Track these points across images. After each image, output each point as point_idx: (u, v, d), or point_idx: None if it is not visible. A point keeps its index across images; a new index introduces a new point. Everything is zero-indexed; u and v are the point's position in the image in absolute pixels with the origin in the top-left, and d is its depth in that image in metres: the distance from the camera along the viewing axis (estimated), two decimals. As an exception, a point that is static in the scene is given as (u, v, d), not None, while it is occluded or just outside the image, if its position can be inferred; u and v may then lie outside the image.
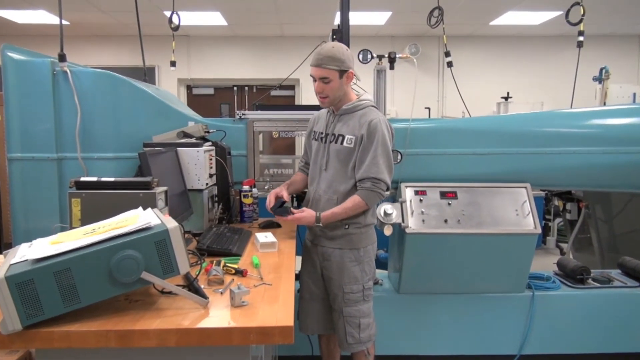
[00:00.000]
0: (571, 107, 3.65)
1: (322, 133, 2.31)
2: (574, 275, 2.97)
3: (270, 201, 2.33)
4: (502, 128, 2.93)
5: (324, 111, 2.38)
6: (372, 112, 2.21)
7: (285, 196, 2.35)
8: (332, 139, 2.25)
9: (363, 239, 2.25)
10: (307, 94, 7.95)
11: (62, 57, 2.41)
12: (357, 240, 2.24)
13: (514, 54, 8.25)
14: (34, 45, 3.65)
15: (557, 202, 4.87)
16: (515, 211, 2.73)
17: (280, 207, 2.32)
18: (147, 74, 3.35)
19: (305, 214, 2.21)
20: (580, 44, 3.55)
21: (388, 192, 2.25)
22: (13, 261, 1.37)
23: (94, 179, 1.82)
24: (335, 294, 2.27)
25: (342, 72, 2.16)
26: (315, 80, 2.20)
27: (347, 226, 2.22)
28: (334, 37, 2.98)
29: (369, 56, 3.06)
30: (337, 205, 2.20)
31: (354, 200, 2.17)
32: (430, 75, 8.13)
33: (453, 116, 6.88)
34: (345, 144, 2.20)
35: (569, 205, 3.89)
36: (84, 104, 2.44)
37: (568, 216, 3.88)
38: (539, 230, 2.67)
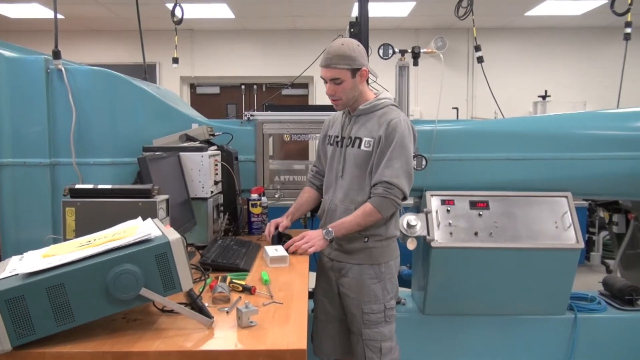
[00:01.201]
0: (617, 107, 3.60)
1: (337, 137, 2.31)
2: (621, 296, 2.92)
3: (269, 232, 2.35)
4: (539, 130, 2.91)
5: (339, 113, 2.39)
6: (393, 112, 2.20)
7: (283, 225, 2.36)
8: (349, 143, 2.25)
9: (384, 253, 2.24)
10: (322, 93, 7.92)
11: (56, 54, 2.45)
12: (378, 254, 2.23)
13: (553, 48, 8.19)
14: (27, 42, 3.73)
15: (602, 213, 4.80)
16: (555, 223, 2.70)
17: (279, 240, 2.35)
18: (147, 72, 3.38)
19: (309, 236, 2.19)
20: (627, 37, 3.51)
21: (405, 201, 2.22)
22: (2, 275, 1.39)
23: (90, 186, 1.84)
24: (353, 315, 2.27)
25: (355, 71, 2.16)
26: (326, 82, 2.20)
27: (366, 239, 2.21)
28: (352, 30, 2.99)
29: (390, 51, 3.06)
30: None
31: (365, 208, 2.16)
32: (458, 72, 8.10)
33: (484, 117, 6.84)
34: (363, 147, 2.19)
35: (615, 217, 3.83)
36: (80, 104, 2.48)
37: (615, 229, 3.82)
38: (582, 245, 2.64)
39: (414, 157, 2.62)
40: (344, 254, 2.27)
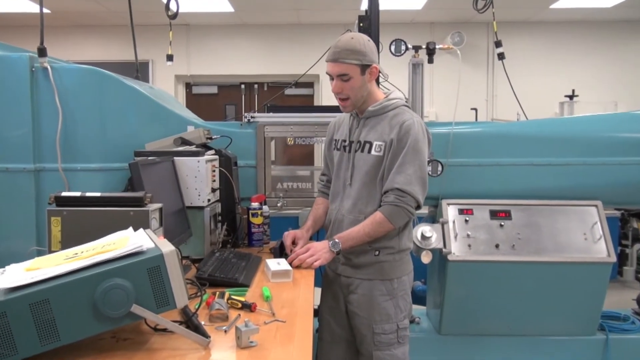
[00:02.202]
0: (652, 107, 3.59)
1: (345, 141, 2.31)
2: (657, 315, 2.90)
3: (286, 246, 2.34)
4: (566, 133, 2.91)
5: (345, 115, 2.38)
6: (406, 113, 2.20)
7: (303, 238, 2.33)
8: (358, 147, 2.24)
9: (397, 267, 2.23)
10: (329, 93, 7.94)
11: (42, 51, 2.47)
12: (390, 269, 2.23)
13: (581, 44, 8.17)
14: (10, 38, 3.76)
15: (635, 224, 4.78)
16: (584, 235, 2.69)
17: (282, 252, 2.36)
18: (139, 70, 3.40)
19: (314, 248, 2.18)
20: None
21: (419, 210, 2.21)
22: (-18, 290, 1.39)
23: (77, 194, 1.85)
24: (363, 335, 2.26)
25: (365, 67, 2.16)
26: (332, 79, 2.20)
27: (377, 252, 2.20)
28: (361, 24, 3.00)
29: (403, 47, 3.07)
30: None
31: (375, 217, 2.15)
32: (477, 70, 8.09)
33: (505, 119, 6.82)
34: (373, 152, 2.19)
35: (650, 228, 3.82)
36: (67, 105, 2.49)
37: (650, 241, 3.81)
38: (614, 259, 2.63)
39: (429, 162, 2.62)
40: (353, 269, 2.26)
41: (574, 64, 8.14)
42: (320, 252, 2.19)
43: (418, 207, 2.17)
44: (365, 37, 2.20)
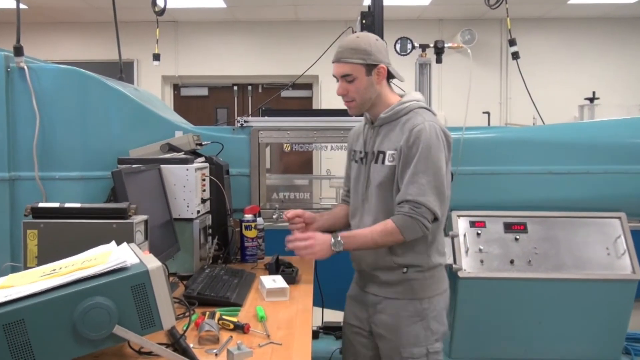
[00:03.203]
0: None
1: (361, 152, 2.31)
2: (687, 337, 2.90)
3: (288, 216, 2.33)
4: (586, 139, 2.91)
5: (362, 124, 2.39)
6: (418, 116, 2.18)
7: (311, 217, 2.33)
8: (372, 158, 2.24)
9: (427, 286, 2.21)
10: (329, 95, 8.02)
11: (18, 50, 2.48)
12: (420, 287, 2.21)
13: (602, 42, 8.20)
14: (-17, 35, 3.76)
15: (662, 237, 4.77)
16: (607, 249, 2.69)
17: (277, 269, 2.37)
18: (123, 71, 3.42)
19: (315, 239, 2.15)
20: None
21: (436, 222, 2.18)
22: (-49, 310, 1.39)
23: (56, 204, 1.85)
24: (389, 359, 2.25)
25: (370, 67, 2.16)
26: (338, 81, 2.22)
27: (405, 270, 2.19)
28: (364, 21, 3.02)
29: (409, 46, 3.09)
30: (386, 249, 2.17)
31: (386, 225, 2.11)
32: (489, 71, 8.12)
33: (520, 124, 6.83)
34: (387, 162, 2.18)
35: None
36: (45, 109, 2.50)
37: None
38: (639, 276, 2.62)
39: None
40: (378, 286, 2.24)
41: (595, 64, 8.17)
42: (319, 246, 2.14)
43: (435, 218, 2.12)
44: (372, 37, 2.20)
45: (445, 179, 2.14)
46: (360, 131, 2.38)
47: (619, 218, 2.77)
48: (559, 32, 8.22)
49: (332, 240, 2.12)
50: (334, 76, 2.21)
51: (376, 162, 2.21)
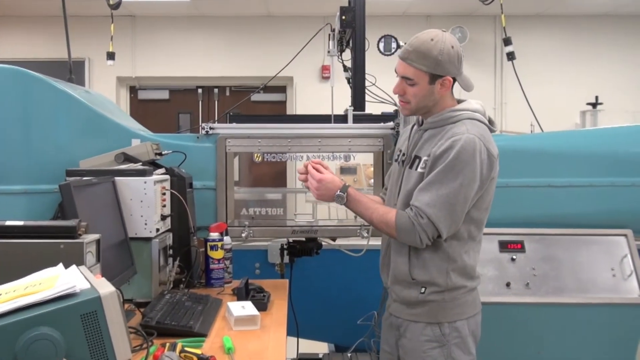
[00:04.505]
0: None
1: (404, 154, 2.38)
2: (700, 366, 2.94)
3: (301, 172, 2.37)
4: (589, 148, 2.95)
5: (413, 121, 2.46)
6: (463, 126, 2.21)
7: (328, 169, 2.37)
8: (409, 162, 2.31)
9: (448, 309, 2.24)
10: (304, 98, 8.05)
11: (-48, 47, 2.46)
12: (439, 310, 2.23)
13: (605, 42, 8.32)
14: None
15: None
16: (612, 270, 2.72)
17: (247, 294, 2.38)
18: (73, 71, 3.40)
19: (325, 182, 2.26)
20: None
21: (441, 239, 2.18)
22: None
23: (-6, 222, 1.83)
24: None
25: (435, 77, 2.20)
26: (397, 76, 2.26)
27: (423, 290, 2.22)
28: (343, 17, 3.05)
29: (394, 45, 3.12)
30: (408, 256, 2.23)
31: (389, 213, 2.22)
32: (482, 72, 8.20)
33: (517, 131, 6.90)
34: (419, 168, 2.24)
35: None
36: (-18, 114, 2.48)
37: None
38: (647, 299, 2.66)
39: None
40: (402, 307, 2.29)
41: (598, 66, 8.27)
42: (324, 189, 2.27)
43: (438, 234, 2.15)
44: (449, 42, 2.19)
45: (467, 198, 2.16)
46: (406, 130, 2.46)
47: (625, 235, 2.80)
48: (558, 30, 8.33)
49: (339, 192, 2.26)
50: (395, 71, 2.25)
51: (411, 167, 2.28)
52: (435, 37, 2.19)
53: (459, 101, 2.31)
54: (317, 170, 2.32)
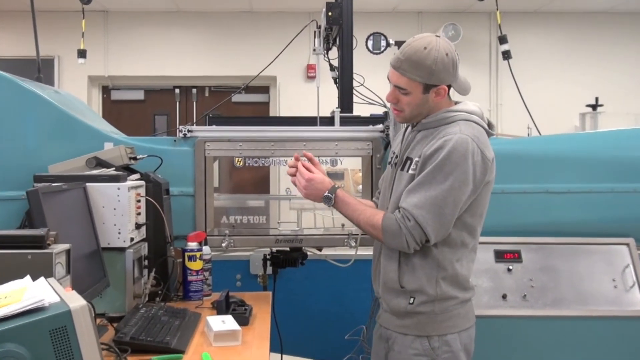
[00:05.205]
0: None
1: (397, 156, 2.40)
2: None
3: (291, 165, 2.38)
4: (589, 153, 2.98)
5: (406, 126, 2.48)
6: (456, 127, 2.23)
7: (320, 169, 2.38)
8: (400, 164, 2.33)
9: (437, 321, 2.25)
10: (288, 99, 8.05)
11: None
12: (429, 323, 2.24)
13: (606, 41, 8.38)
14: None
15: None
16: (613, 281, 2.74)
17: (227, 307, 2.39)
18: (42, 69, 3.38)
19: (315, 182, 2.29)
20: None
21: (429, 244, 2.20)
22: None
23: (-44, 231, 1.82)
24: None
25: (429, 87, 2.22)
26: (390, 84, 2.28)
27: (411, 299, 2.24)
28: (329, 14, 3.05)
29: (383, 43, 3.14)
30: (398, 262, 2.25)
31: (376, 215, 2.25)
32: (477, 72, 8.23)
33: (513, 135, 6.93)
34: (410, 170, 2.26)
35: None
36: (-57, 115, 2.46)
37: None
38: (651, 311, 2.68)
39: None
40: (392, 318, 2.31)
41: (598, 66, 8.33)
42: (313, 189, 2.31)
43: (426, 239, 2.17)
44: (444, 51, 2.19)
45: (457, 201, 2.17)
46: (400, 132, 2.49)
47: (627, 245, 2.82)
48: (556, 28, 8.38)
49: (327, 193, 2.29)
50: (387, 78, 2.26)
51: (402, 169, 2.31)
52: (429, 45, 2.19)
53: (456, 103, 2.33)
54: (308, 169, 2.34)
